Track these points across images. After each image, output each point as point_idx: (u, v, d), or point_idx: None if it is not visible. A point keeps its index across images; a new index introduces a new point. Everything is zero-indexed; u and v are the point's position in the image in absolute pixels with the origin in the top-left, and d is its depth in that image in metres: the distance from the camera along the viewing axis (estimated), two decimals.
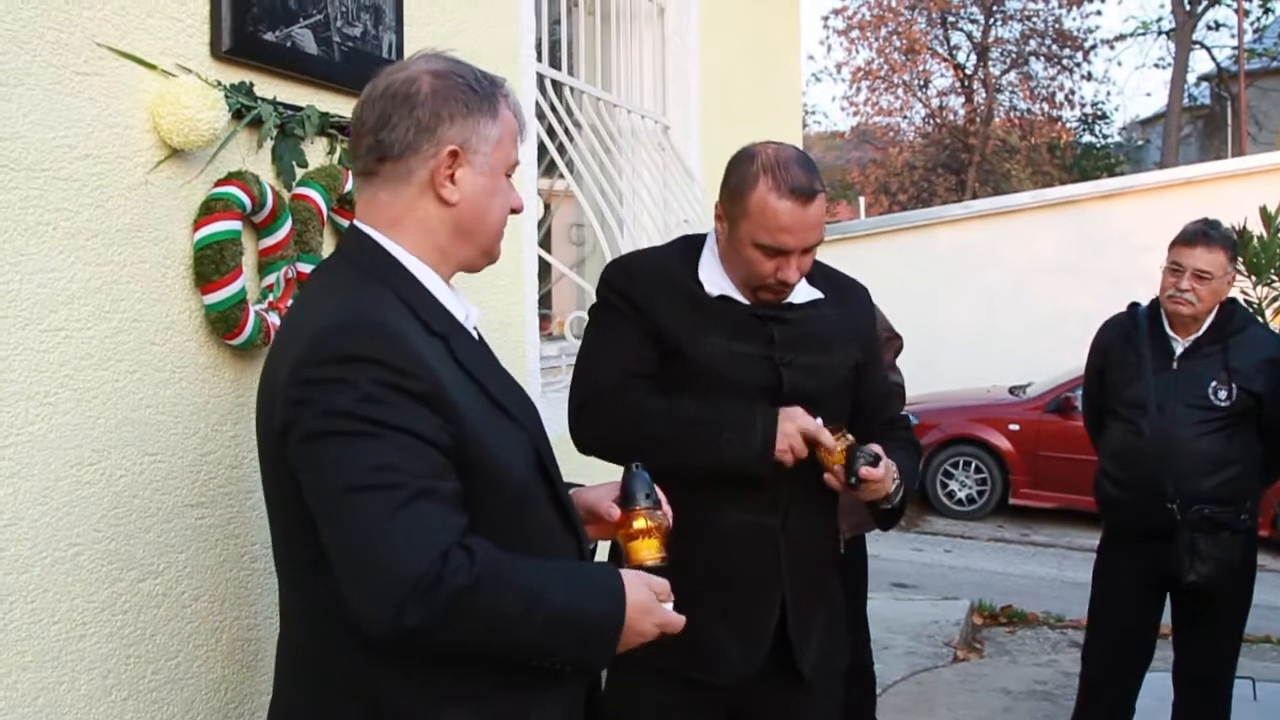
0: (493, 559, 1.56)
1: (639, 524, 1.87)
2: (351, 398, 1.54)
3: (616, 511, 1.90)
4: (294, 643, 1.76)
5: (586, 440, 2.45)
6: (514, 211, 1.85)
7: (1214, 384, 3.66)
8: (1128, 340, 3.87)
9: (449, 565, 1.50)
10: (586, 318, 2.56)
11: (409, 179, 1.72)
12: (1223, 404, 3.65)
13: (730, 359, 2.37)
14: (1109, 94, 53.57)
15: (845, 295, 2.56)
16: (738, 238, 2.34)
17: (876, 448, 2.32)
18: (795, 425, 2.30)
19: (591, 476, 2.16)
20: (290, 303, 2.51)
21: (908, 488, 2.44)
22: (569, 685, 1.78)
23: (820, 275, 2.52)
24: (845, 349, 2.47)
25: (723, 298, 2.41)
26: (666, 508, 1.93)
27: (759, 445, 2.27)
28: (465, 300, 1.82)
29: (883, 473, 2.29)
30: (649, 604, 1.73)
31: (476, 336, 1.84)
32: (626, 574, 1.74)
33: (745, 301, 2.41)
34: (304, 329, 1.63)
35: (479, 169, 1.74)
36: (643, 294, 2.41)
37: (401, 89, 1.72)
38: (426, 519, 1.52)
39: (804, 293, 2.45)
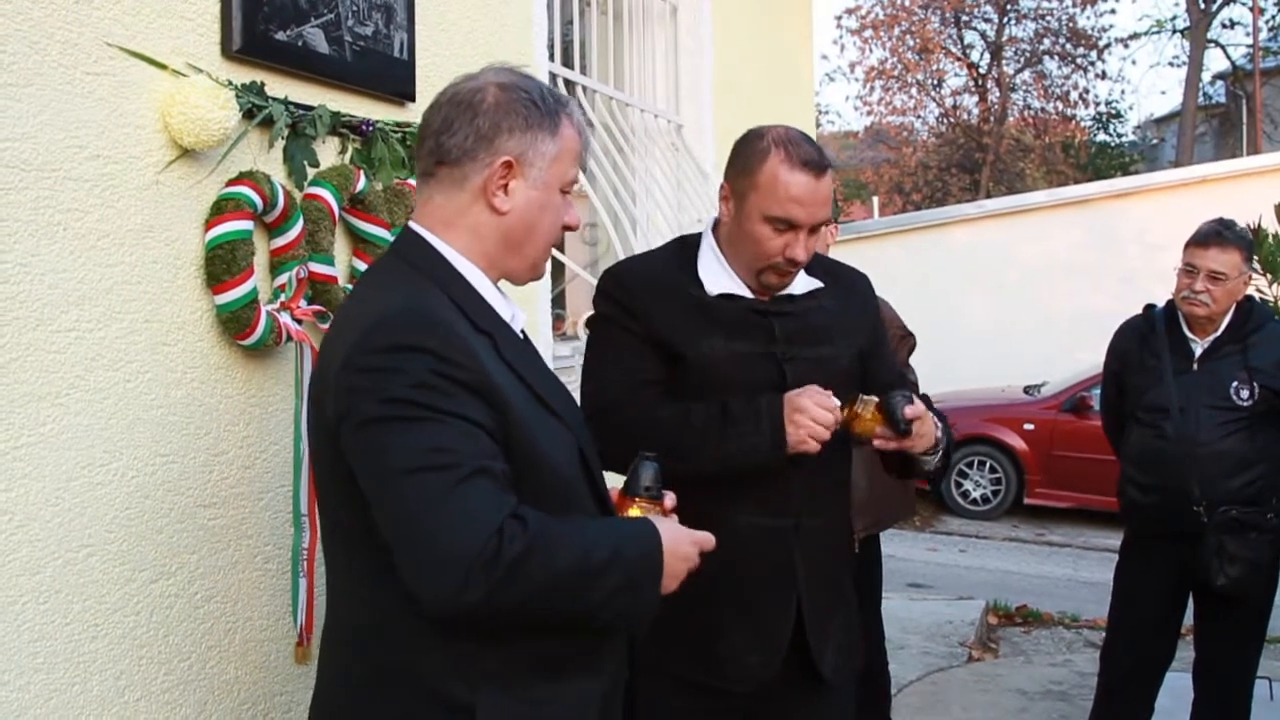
0: (543, 523, 1.60)
1: (633, 513, 1.89)
2: (406, 384, 1.58)
3: (615, 496, 1.94)
4: (345, 625, 1.78)
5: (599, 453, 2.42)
6: (568, 228, 1.90)
7: (1235, 384, 3.65)
8: (1145, 344, 3.85)
9: (505, 536, 1.55)
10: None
11: (463, 184, 1.77)
12: (1245, 404, 3.63)
13: (732, 359, 2.35)
14: (1123, 92, 53.45)
15: (845, 284, 2.56)
16: (745, 213, 2.34)
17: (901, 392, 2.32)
18: (807, 401, 2.24)
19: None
20: (302, 301, 2.51)
21: (947, 443, 2.45)
22: (607, 672, 1.81)
23: (819, 266, 2.52)
24: (848, 338, 2.47)
25: (722, 296, 2.40)
26: (670, 503, 1.93)
27: (768, 438, 2.25)
28: (512, 303, 1.86)
29: (923, 409, 2.31)
30: (677, 533, 1.80)
31: (522, 337, 1.87)
32: (650, 517, 1.82)
33: (747, 296, 2.40)
34: (356, 321, 1.68)
35: (532, 182, 1.79)
36: (638, 302, 2.39)
37: (467, 97, 1.78)
38: (483, 496, 1.57)
39: (804, 283, 2.45)
